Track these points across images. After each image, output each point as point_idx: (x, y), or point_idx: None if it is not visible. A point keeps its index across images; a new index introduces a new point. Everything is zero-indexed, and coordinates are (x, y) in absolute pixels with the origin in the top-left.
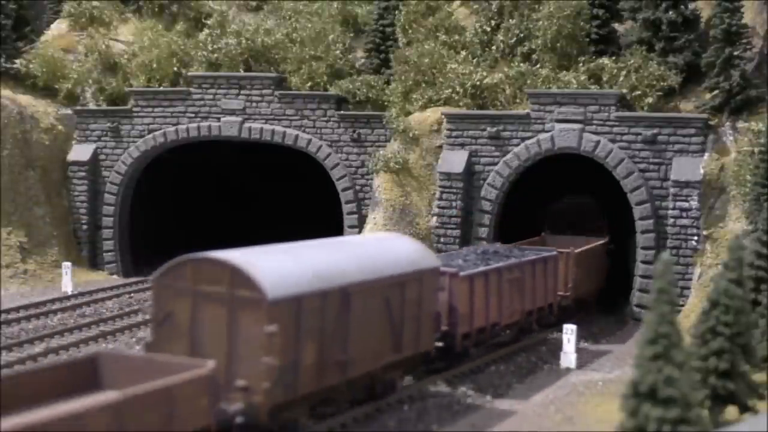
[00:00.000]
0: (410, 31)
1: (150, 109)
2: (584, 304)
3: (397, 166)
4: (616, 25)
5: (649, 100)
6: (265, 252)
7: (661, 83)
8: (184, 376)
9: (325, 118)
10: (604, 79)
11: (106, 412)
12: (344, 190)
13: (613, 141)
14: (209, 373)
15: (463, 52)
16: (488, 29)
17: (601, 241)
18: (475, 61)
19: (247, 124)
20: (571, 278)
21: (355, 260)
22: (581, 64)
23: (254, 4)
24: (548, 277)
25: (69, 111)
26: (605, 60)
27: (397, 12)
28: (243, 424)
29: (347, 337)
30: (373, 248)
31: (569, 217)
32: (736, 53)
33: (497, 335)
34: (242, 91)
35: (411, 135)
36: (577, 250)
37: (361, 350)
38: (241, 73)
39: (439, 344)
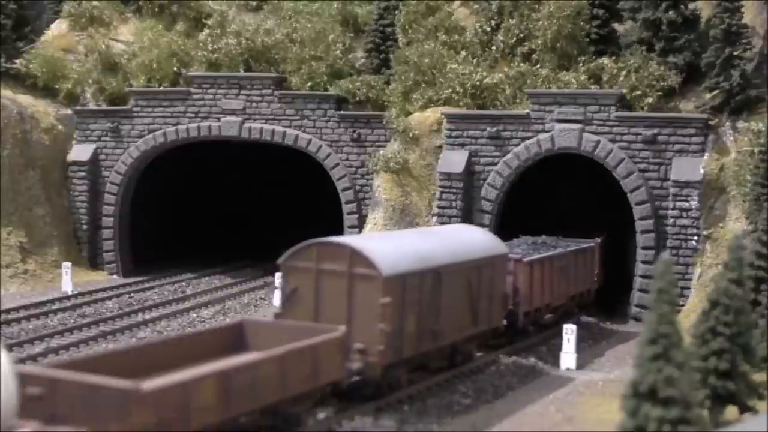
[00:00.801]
0: (410, 31)
1: (150, 109)
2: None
3: (397, 166)
4: (616, 25)
5: (649, 100)
6: (373, 238)
7: (661, 83)
8: (325, 337)
9: (325, 118)
10: (604, 79)
11: (274, 361)
12: (344, 190)
13: (613, 141)
14: (342, 336)
15: (463, 52)
16: (488, 29)
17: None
18: (475, 61)
19: (247, 124)
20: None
21: (443, 246)
22: (581, 64)
23: (254, 4)
24: (587, 265)
25: (69, 111)
26: (605, 60)
27: (397, 12)
28: (360, 380)
29: (438, 310)
30: (456, 236)
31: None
32: (736, 53)
33: (549, 315)
34: (242, 91)
35: (411, 135)
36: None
37: (448, 322)
38: (241, 73)
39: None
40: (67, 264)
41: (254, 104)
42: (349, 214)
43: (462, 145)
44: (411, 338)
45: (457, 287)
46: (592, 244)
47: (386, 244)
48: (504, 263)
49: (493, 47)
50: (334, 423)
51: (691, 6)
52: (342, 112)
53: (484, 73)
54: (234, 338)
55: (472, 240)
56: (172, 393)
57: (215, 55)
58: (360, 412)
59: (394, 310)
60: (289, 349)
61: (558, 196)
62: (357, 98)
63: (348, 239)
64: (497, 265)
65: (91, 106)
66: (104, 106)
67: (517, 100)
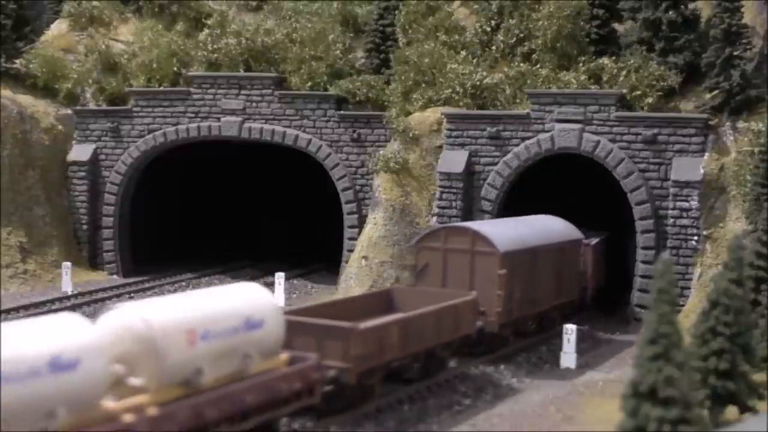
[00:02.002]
0: (410, 31)
1: (150, 109)
2: None
3: (397, 166)
4: (616, 25)
5: (649, 100)
6: (486, 224)
7: (661, 83)
8: (464, 299)
9: (325, 118)
10: (604, 79)
11: (433, 314)
12: (344, 190)
13: (613, 141)
14: (475, 299)
15: (463, 52)
16: (488, 29)
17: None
18: (475, 61)
19: (247, 124)
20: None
21: (535, 231)
22: (581, 64)
23: (254, 4)
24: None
25: (69, 111)
26: (605, 60)
27: (397, 12)
28: (481, 335)
29: (535, 283)
30: (543, 224)
31: None
32: (736, 53)
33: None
34: (242, 91)
35: (411, 135)
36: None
37: (541, 293)
38: (241, 73)
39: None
40: (67, 264)
41: (254, 104)
42: (349, 214)
43: (462, 145)
44: (517, 303)
45: (547, 265)
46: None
47: (497, 228)
48: (579, 247)
49: (493, 47)
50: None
51: (691, 6)
52: (342, 112)
53: (484, 73)
54: (385, 301)
55: (556, 227)
56: (374, 332)
57: (215, 55)
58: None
59: (507, 280)
60: (442, 306)
61: (558, 196)
62: (357, 98)
63: (468, 224)
64: (574, 248)
65: (91, 106)
66: (104, 106)
67: (517, 100)
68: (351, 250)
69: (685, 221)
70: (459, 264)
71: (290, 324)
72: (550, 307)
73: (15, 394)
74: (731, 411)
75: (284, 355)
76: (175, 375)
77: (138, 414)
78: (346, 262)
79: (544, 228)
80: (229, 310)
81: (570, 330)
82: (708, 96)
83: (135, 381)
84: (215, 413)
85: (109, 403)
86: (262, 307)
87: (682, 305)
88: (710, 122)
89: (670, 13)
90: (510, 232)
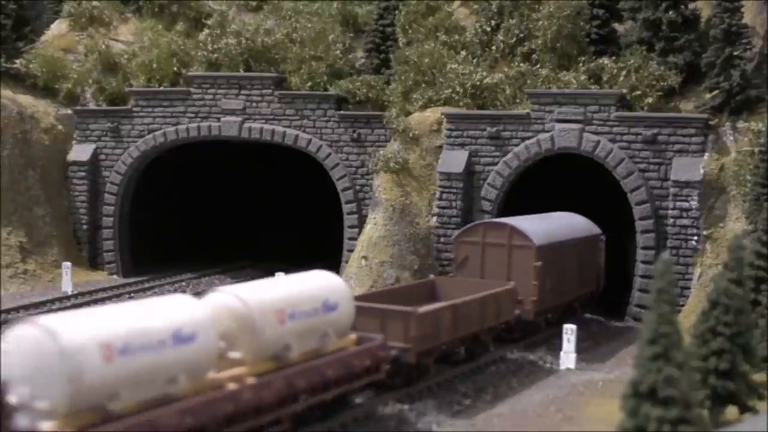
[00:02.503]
0: (410, 31)
1: (150, 109)
2: None
3: (397, 166)
4: (616, 25)
5: (649, 100)
6: (520, 219)
7: (661, 83)
8: (504, 288)
9: (325, 118)
10: (604, 79)
11: (478, 302)
12: (344, 190)
13: (613, 141)
14: (514, 288)
15: (463, 52)
16: (488, 29)
17: None
18: (475, 61)
19: (247, 124)
20: None
21: (561, 227)
22: (581, 64)
23: (254, 4)
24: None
25: (69, 111)
26: (605, 60)
27: (397, 12)
28: (517, 322)
29: (562, 274)
30: (567, 220)
31: None
32: (736, 53)
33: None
34: (242, 91)
35: (411, 135)
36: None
37: (567, 284)
38: (241, 73)
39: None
40: (67, 264)
41: (254, 104)
42: (349, 213)
43: (462, 145)
44: (548, 293)
45: (571, 258)
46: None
47: (531, 224)
48: (598, 242)
49: (493, 47)
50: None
51: (691, 6)
52: (342, 112)
53: (484, 73)
54: (429, 290)
55: (578, 223)
56: (431, 316)
57: (215, 55)
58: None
59: (541, 272)
60: (486, 294)
61: (558, 196)
62: (357, 98)
63: (505, 220)
64: (594, 243)
65: (91, 106)
66: (104, 106)
67: (517, 100)
68: (351, 250)
69: (685, 221)
70: (497, 257)
71: (357, 308)
72: (575, 297)
73: (147, 361)
74: (731, 411)
75: (353, 335)
76: (268, 350)
77: (239, 383)
78: (346, 262)
79: (569, 223)
80: (310, 294)
81: (570, 330)
82: (708, 96)
83: (234, 355)
84: (303, 384)
85: (213, 374)
86: (337, 292)
87: (682, 305)
88: (710, 122)
89: (670, 13)
90: (542, 227)
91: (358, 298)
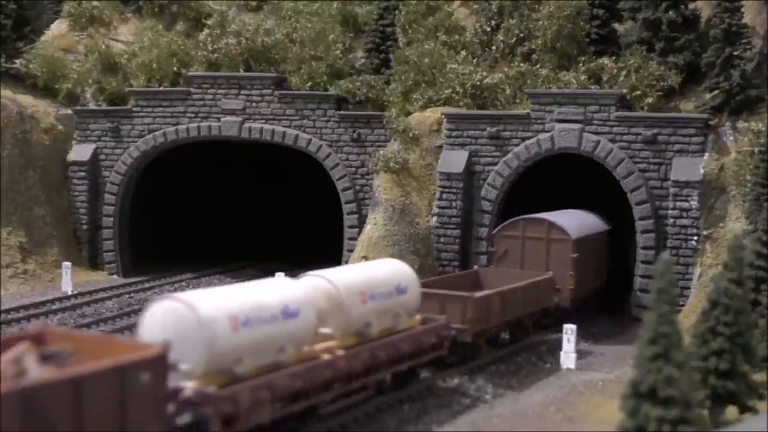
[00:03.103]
0: (410, 31)
1: (150, 109)
2: None
3: (397, 166)
4: (616, 25)
5: (649, 100)
6: (556, 215)
7: (661, 83)
8: (544, 277)
9: (325, 118)
10: (604, 79)
11: (521, 289)
12: (344, 190)
13: (613, 141)
14: (553, 277)
15: (463, 52)
16: (488, 29)
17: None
18: (475, 61)
19: (247, 124)
20: None
21: (583, 222)
22: (581, 64)
23: (254, 4)
24: None
25: (69, 111)
26: (605, 60)
27: (397, 12)
28: (555, 308)
29: (589, 266)
30: (585, 216)
31: None
32: (736, 53)
33: None
34: (242, 91)
35: (411, 135)
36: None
37: (589, 275)
38: (241, 73)
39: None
40: (67, 264)
41: (254, 104)
42: (349, 213)
43: (462, 145)
44: (580, 283)
45: (593, 251)
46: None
47: (565, 219)
48: (605, 237)
49: (493, 47)
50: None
51: (691, 6)
52: (342, 112)
53: (484, 73)
54: (474, 279)
55: (592, 219)
56: (484, 300)
57: (215, 55)
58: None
59: (576, 263)
60: (529, 282)
61: (558, 196)
62: (357, 98)
63: (543, 215)
64: (603, 238)
65: (91, 106)
66: (104, 106)
67: (517, 100)
68: (351, 250)
69: (685, 221)
70: (535, 249)
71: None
72: (594, 287)
73: (263, 332)
74: (731, 411)
75: (418, 316)
76: (352, 326)
77: (331, 354)
78: (347, 262)
79: (588, 219)
80: (386, 278)
81: (570, 330)
82: (708, 96)
83: (325, 330)
84: (383, 356)
85: (308, 347)
86: (406, 278)
87: (682, 305)
88: (710, 122)
89: (670, 13)
90: (574, 222)
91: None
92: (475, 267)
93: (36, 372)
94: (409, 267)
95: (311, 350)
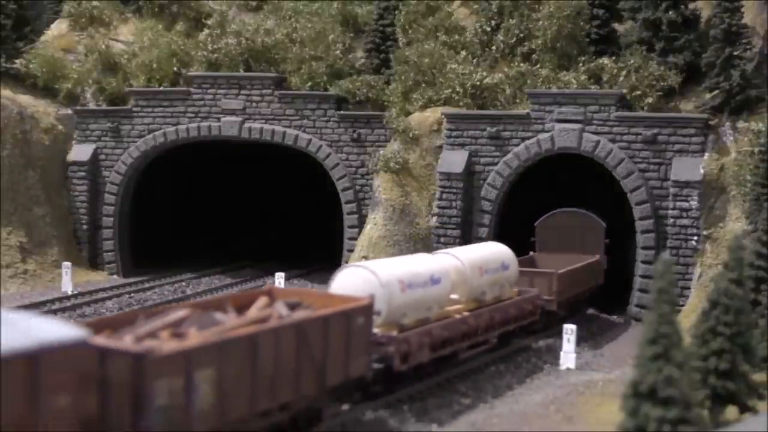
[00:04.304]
0: (410, 31)
1: (150, 109)
2: None
3: (397, 166)
4: (616, 25)
5: (649, 100)
6: (577, 209)
7: (661, 83)
8: (593, 258)
9: (325, 118)
10: (604, 79)
11: (578, 270)
12: (344, 190)
13: (613, 141)
14: (599, 260)
15: (463, 52)
16: (488, 29)
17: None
18: (475, 61)
19: (247, 124)
20: None
21: (597, 216)
22: (581, 64)
23: (254, 4)
24: None
25: (69, 111)
26: (605, 60)
27: (397, 12)
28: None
29: (606, 252)
30: (590, 213)
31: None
32: (736, 53)
33: None
34: (242, 91)
35: (411, 135)
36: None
37: (604, 262)
38: (241, 73)
39: None
40: (67, 264)
41: (254, 104)
42: (349, 213)
43: (462, 145)
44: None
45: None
46: None
47: (592, 212)
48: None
49: (493, 47)
50: None
51: (691, 6)
52: (342, 112)
53: (484, 73)
54: (531, 262)
55: (594, 216)
56: (564, 276)
57: (215, 55)
58: None
59: (606, 247)
60: (588, 261)
61: (558, 195)
62: (357, 98)
63: (576, 209)
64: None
65: (91, 106)
66: (104, 106)
67: (517, 100)
68: (351, 250)
69: (685, 221)
70: (571, 236)
71: None
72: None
73: (419, 294)
74: (731, 411)
75: (515, 289)
76: (473, 293)
77: (460, 314)
78: (346, 262)
79: (593, 215)
80: (494, 257)
81: (570, 330)
82: (708, 96)
83: (454, 296)
84: (497, 317)
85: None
86: (508, 257)
87: (682, 305)
88: (710, 122)
89: (670, 13)
90: (596, 214)
91: None
92: (531, 253)
93: (290, 314)
94: (509, 249)
95: (446, 310)
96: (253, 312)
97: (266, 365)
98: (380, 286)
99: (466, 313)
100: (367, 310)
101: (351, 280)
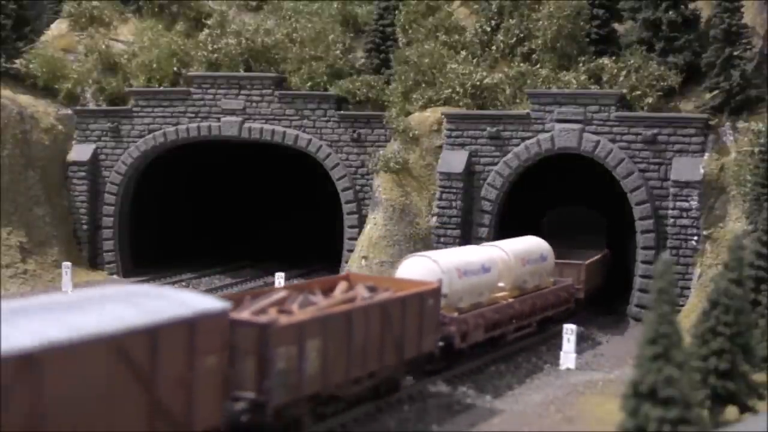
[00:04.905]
0: (410, 31)
1: (150, 109)
2: None
3: (397, 166)
4: (616, 25)
5: (649, 100)
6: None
7: (661, 83)
8: (602, 254)
9: (325, 118)
10: (604, 79)
11: (599, 261)
12: (344, 190)
13: (613, 141)
14: (608, 254)
15: (463, 52)
16: (488, 29)
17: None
18: (475, 61)
19: (247, 124)
20: None
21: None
22: (581, 64)
23: (254, 4)
24: None
25: (69, 111)
26: (605, 60)
27: (397, 12)
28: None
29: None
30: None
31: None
32: (736, 53)
33: None
34: (242, 91)
35: (411, 135)
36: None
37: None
38: (241, 73)
39: None
40: (67, 264)
41: (254, 104)
42: (349, 213)
43: (462, 145)
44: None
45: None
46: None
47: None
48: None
49: (493, 47)
50: None
51: (691, 6)
52: (342, 112)
53: (484, 73)
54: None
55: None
56: (591, 266)
57: (215, 55)
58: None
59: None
60: (599, 256)
61: (558, 195)
62: (357, 98)
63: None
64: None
65: (91, 106)
66: (104, 106)
67: (517, 100)
68: (351, 250)
69: (685, 221)
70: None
71: None
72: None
73: (473, 281)
74: (731, 411)
75: (551, 279)
76: (516, 282)
77: (505, 300)
78: (346, 262)
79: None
80: (533, 250)
81: (570, 330)
82: (708, 96)
83: (501, 284)
84: (538, 304)
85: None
86: (546, 250)
87: (682, 305)
88: (710, 122)
89: (670, 13)
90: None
91: None
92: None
93: (372, 295)
94: (546, 243)
95: (494, 297)
96: (338, 294)
97: (358, 338)
98: (441, 273)
99: (511, 299)
100: (436, 292)
101: (415, 267)
